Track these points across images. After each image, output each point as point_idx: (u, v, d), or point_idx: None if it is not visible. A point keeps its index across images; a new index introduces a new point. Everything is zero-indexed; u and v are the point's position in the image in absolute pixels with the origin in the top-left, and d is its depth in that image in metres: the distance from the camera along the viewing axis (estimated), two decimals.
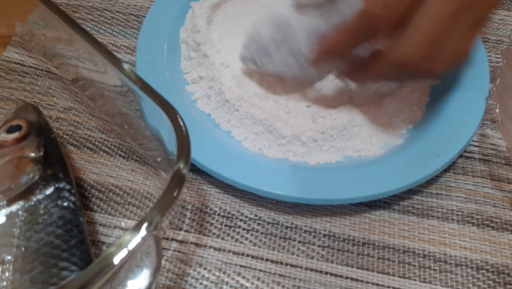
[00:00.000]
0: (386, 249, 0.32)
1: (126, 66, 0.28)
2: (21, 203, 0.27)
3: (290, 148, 0.34)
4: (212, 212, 0.33)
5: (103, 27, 0.43)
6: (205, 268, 0.31)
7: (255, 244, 0.32)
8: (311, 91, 0.37)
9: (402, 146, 0.35)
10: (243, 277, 0.31)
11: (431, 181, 0.34)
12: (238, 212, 0.33)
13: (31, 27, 0.38)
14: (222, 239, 0.32)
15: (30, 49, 0.41)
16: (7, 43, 0.42)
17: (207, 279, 0.31)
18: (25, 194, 0.28)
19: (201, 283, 0.30)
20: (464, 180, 0.35)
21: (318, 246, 0.32)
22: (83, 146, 0.36)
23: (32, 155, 0.29)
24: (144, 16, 0.43)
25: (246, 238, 0.32)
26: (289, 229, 0.33)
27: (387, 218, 0.33)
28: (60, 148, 0.31)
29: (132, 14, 0.44)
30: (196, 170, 0.34)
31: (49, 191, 0.28)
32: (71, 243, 0.27)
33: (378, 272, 0.31)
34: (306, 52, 0.33)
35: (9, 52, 0.41)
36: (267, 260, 0.31)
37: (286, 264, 0.31)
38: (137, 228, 0.22)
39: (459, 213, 0.33)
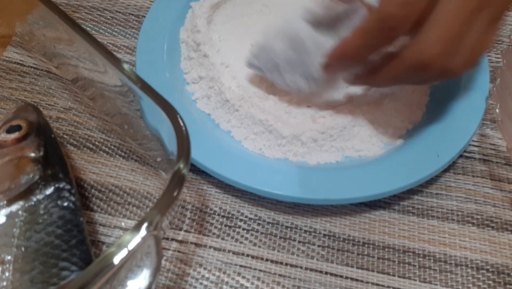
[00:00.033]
0: (386, 249, 0.32)
1: (126, 66, 0.28)
2: (21, 203, 0.27)
3: (290, 148, 0.34)
4: (212, 212, 0.33)
5: (103, 27, 0.43)
6: (205, 268, 0.31)
7: (255, 244, 0.32)
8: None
9: (402, 145, 0.35)
10: (243, 277, 0.31)
11: (431, 181, 0.34)
12: (238, 212, 0.33)
13: (31, 27, 0.38)
14: (222, 239, 0.32)
15: (30, 49, 0.41)
16: (7, 43, 0.42)
17: (207, 279, 0.31)
18: (25, 194, 0.28)
19: (201, 283, 0.30)
20: (464, 180, 0.35)
21: (318, 246, 0.32)
22: (83, 146, 0.36)
23: (32, 155, 0.29)
24: (144, 16, 0.43)
25: (246, 238, 0.32)
26: (289, 229, 0.33)
27: (387, 218, 0.33)
28: (60, 148, 0.31)
29: (132, 14, 0.44)
30: (196, 170, 0.34)
31: (49, 191, 0.28)
32: (71, 243, 0.27)
33: (378, 272, 0.31)
34: (318, 75, 0.33)
35: (9, 52, 0.41)
36: (267, 260, 0.31)
37: (286, 264, 0.31)
38: (137, 228, 0.22)
39: (459, 213, 0.33)
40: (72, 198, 0.29)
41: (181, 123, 0.25)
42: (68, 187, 0.29)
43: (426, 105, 0.37)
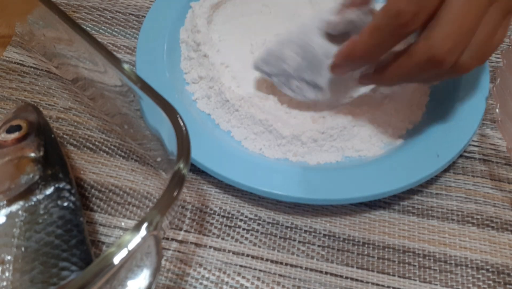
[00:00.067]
0: (386, 249, 0.32)
1: (126, 66, 0.28)
2: (21, 203, 0.27)
3: (290, 148, 0.34)
4: (212, 212, 0.33)
5: (103, 27, 0.43)
6: (205, 268, 0.31)
7: (255, 244, 0.32)
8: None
9: (402, 145, 0.35)
10: (243, 277, 0.31)
11: (431, 181, 0.34)
12: (238, 212, 0.33)
13: (31, 27, 0.38)
14: (222, 239, 0.32)
15: (30, 49, 0.41)
16: (7, 43, 0.42)
17: (207, 279, 0.31)
18: (25, 194, 0.28)
19: (201, 283, 0.30)
20: (464, 180, 0.35)
21: (318, 246, 0.32)
22: (83, 146, 0.36)
23: (32, 155, 0.29)
24: (144, 16, 0.43)
25: (246, 238, 0.32)
26: (289, 229, 0.33)
27: (387, 218, 0.33)
28: (60, 148, 0.31)
29: (132, 14, 0.44)
30: (196, 170, 0.34)
31: (49, 191, 0.28)
32: (71, 243, 0.27)
33: (378, 272, 0.31)
34: (325, 85, 0.33)
35: (9, 52, 0.41)
36: (267, 260, 0.31)
37: (286, 264, 0.31)
38: (137, 228, 0.22)
39: (459, 213, 0.33)
40: (72, 198, 0.29)
41: (181, 123, 0.25)
42: (68, 187, 0.29)
43: (426, 105, 0.37)
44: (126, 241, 0.21)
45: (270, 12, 0.42)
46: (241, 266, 0.31)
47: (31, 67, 0.40)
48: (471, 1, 0.26)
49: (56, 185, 0.29)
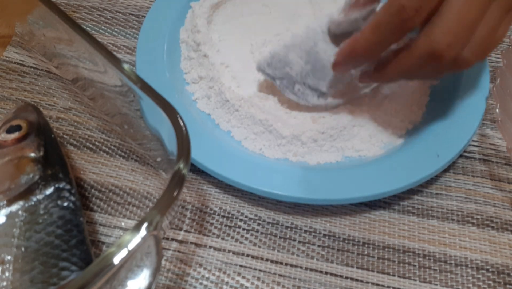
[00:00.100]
0: (386, 249, 0.32)
1: (126, 66, 0.28)
2: (21, 203, 0.27)
3: (290, 148, 0.34)
4: (212, 212, 0.33)
5: (103, 27, 0.43)
6: (205, 268, 0.31)
7: (255, 244, 0.32)
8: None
9: (402, 145, 0.35)
10: (243, 277, 0.31)
11: (431, 181, 0.34)
12: (238, 212, 0.33)
13: (31, 27, 0.38)
14: (222, 239, 0.32)
15: (30, 49, 0.41)
16: (7, 43, 0.42)
17: (207, 279, 0.31)
18: (25, 194, 0.28)
19: (201, 283, 0.30)
20: (464, 180, 0.35)
21: (318, 246, 0.32)
22: (83, 146, 0.36)
23: (32, 155, 0.29)
24: (144, 16, 0.43)
25: (246, 238, 0.32)
26: (289, 229, 0.33)
27: (387, 218, 0.33)
28: (60, 148, 0.31)
29: (132, 14, 0.44)
30: (196, 170, 0.34)
31: (49, 191, 0.28)
32: (71, 243, 0.27)
33: (378, 272, 0.31)
34: (328, 91, 0.33)
35: (9, 52, 0.41)
36: (267, 260, 0.31)
37: (286, 264, 0.31)
38: (137, 228, 0.22)
39: (459, 213, 0.33)
40: (72, 198, 0.29)
41: (181, 123, 0.25)
42: (68, 187, 0.29)
43: (426, 105, 0.37)
44: (126, 241, 0.21)
45: (270, 12, 0.42)
46: (241, 266, 0.31)
47: (31, 67, 0.40)
48: None
49: (56, 185, 0.29)
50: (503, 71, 0.35)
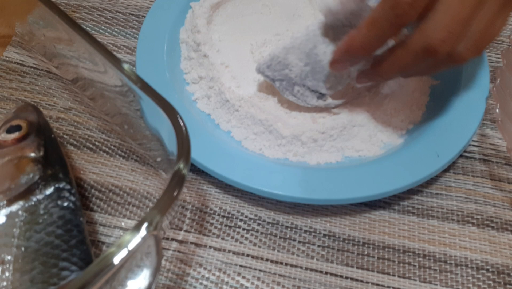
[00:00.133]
0: (386, 249, 0.32)
1: (126, 66, 0.28)
2: (21, 203, 0.27)
3: (290, 148, 0.34)
4: (212, 212, 0.33)
5: (103, 27, 0.43)
6: (205, 268, 0.31)
7: (255, 244, 0.32)
8: None
9: (402, 145, 0.35)
10: (243, 277, 0.31)
11: (431, 181, 0.34)
12: (238, 212, 0.33)
13: (31, 27, 0.38)
14: (222, 239, 0.32)
15: (30, 49, 0.41)
16: (7, 43, 0.42)
17: (207, 279, 0.31)
18: (25, 194, 0.28)
19: (201, 283, 0.30)
20: (464, 180, 0.35)
21: (318, 246, 0.32)
22: (83, 146, 0.36)
23: (32, 155, 0.29)
24: (144, 16, 0.43)
25: (246, 238, 0.32)
26: (289, 229, 0.33)
27: (387, 218, 0.33)
28: (60, 148, 0.31)
29: (132, 14, 0.44)
30: (196, 170, 0.34)
31: (49, 191, 0.28)
32: (71, 243, 0.27)
33: (378, 272, 0.31)
34: (327, 92, 0.33)
35: (9, 52, 0.41)
36: (267, 260, 0.31)
37: (286, 264, 0.31)
38: (137, 228, 0.22)
39: (459, 213, 0.33)
40: (72, 198, 0.29)
41: (181, 124, 0.25)
42: (68, 187, 0.29)
43: (426, 105, 0.37)
44: (126, 241, 0.21)
45: (270, 12, 0.42)
46: (241, 266, 0.31)
47: (31, 67, 0.40)
48: None
49: (56, 185, 0.29)
50: (503, 71, 0.35)
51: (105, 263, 0.21)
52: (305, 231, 0.33)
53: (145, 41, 0.38)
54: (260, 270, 0.31)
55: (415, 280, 0.31)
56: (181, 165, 0.24)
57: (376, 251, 0.32)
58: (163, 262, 0.31)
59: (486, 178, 0.35)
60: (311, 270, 0.31)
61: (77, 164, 0.35)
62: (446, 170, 0.35)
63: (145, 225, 0.22)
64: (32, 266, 0.26)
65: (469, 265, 0.31)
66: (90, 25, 0.43)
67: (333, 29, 0.33)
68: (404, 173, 0.32)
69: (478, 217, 0.33)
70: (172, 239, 0.32)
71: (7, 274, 0.25)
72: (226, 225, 0.33)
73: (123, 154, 0.36)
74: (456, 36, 0.27)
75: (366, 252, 0.32)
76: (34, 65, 0.40)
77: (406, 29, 0.32)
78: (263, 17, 0.41)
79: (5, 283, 0.25)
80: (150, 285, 0.25)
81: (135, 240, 0.21)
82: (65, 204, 0.28)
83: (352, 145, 0.35)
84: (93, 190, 0.34)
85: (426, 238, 0.32)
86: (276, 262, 0.31)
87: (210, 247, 0.32)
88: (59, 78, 0.39)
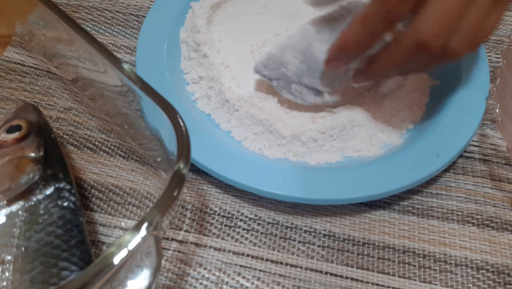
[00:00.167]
0: (386, 249, 0.32)
1: (126, 66, 0.28)
2: (21, 203, 0.27)
3: (290, 148, 0.34)
4: (212, 212, 0.33)
5: (103, 27, 0.43)
6: (205, 268, 0.31)
7: (255, 244, 0.32)
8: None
9: (402, 146, 0.35)
10: (243, 277, 0.31)
11: (431, 181, 0.34)
12: (238, 212, 0.33)
13: (31, 27, 0.38)
14: (222, 239, 0.32)
15: (30, 49, 0.41)
16: (7, 43, 0.42)
17: (207, 279, 0.31)
18: (25, 194, 0.28)
19: (201, 283, 0.30)
20: (464, 180, 0.35)
21: (318, 246, 0.32)
22: (83, 146, 0.36)
23: (32, 155, 0.29)
24: (144, 16, 0.43)
25: (246, 238, 0.32)
26: (289, 229, 0.33)
27: (387, 218, 0.33)
28: (60, 148, 0.31)
29: (132, 14, 0.44)
30: (196, 170, 0.34)
31: (49, 191, 0.28)
32: (71, 243, 0.27)
33: (378, 272, 0.31)
34: (324, 89, 0.33)
35: (9, 52, 0.41)
36: (267, 260, 0.31)
37: (286, 264, 0.31)
38: (137, 228, 0.22)
39: (459, 213, 0.33)
40: (72, 198, 0.29)
41: (181, 123, 0.25)
42: (68, 187, 0.29)
43: (426, 105, 0.37)
44: (126, 241, 0.21)
45: (270, 12, 0.42)
46: (241, 266, 0.31)
47: (31, 67, 0.40)
48: None
49: (56, 185, 0.29)
50: (503, 71, 0.35)
51: (105, 263, 0.21)
52: (305, 231, 0.33)
53: (145, 41, 0.38)
54: (260, 270, 0.31)
55: (415, 280, 0.31)
56: (181, 165, 0.24)
57: (376, 251, 0.32)
58: (163, 262, 0.31)
59: (486, 178, 0.35)
60: (311, 270, 0.31)
61: (77, 164, 0.35)
62: (446, 170, 0.35)
63: (145, 225, 0.22)
64: (32, 266, 0.26)
65: (469, 265, 0.31)
66: (90, 25, 0.43)
67: (328, 26, 0.33)
68: (404, 173, 0.32)
69: (478, 217, 0.33)
70: (172, 239, 0.32)
71: (7, 274, 0.25)
72: (226, 225, 0.33)
73: (123, 154, 0.36)
74: (449, 30, 0.27)
75: (366, 252, 0.32)
76: (34, 65, 0.40)
77: (402, 25, 0.32)
78: (263, 17, 0.41)
79: (5, 283, 0.25)
80: (150, 285, 0.25)
81: (135, 240, 0.21)
82: (65, 204, 0.28)
83: (352, 145, 0.35)
84: (93, 190, 0.34)
85: (426, 238, 0.32)
86: (276, 262, 0.31)
87: (210, 247, 0.32)
88: (59, 78, 0.39)
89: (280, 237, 0.32)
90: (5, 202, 0.27)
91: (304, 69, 0.33)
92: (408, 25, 0.28)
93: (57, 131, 0.37)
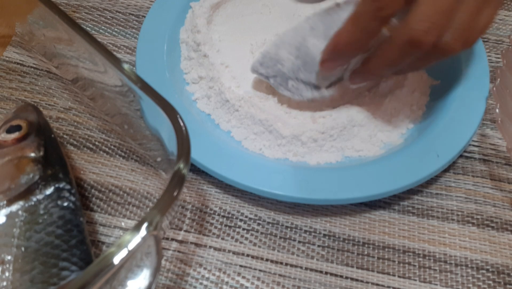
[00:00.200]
0: (386, 249, 0.32)
1: (126, 66, 0.28)
2: (21, 203, 0.27)
3: (290, 148, 0.34)
4: (212, 212, 0.33)
5: (103, 27, 0.43)
6: (205, 268, 0.31)
7: (255, 244, 0.32)
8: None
9: (402, 146, 0.35)
10: (243, 277, 0.31)
11: (431, 181, 0.34)
12: (238, 212, 0.33)
13: (31, 27, 0.38)
14: (222, 239, 0.32)
15: (30, 49, 0.41)
16: (7, 43, 0.42)
17: (207, 279, 0.31)
18: (25, 194, 0.28)
19: (201, 283, 0.30)
20: (464, 180, 0.35)
21: (318, 246, 0.32)
22: (83, 146, 0.36)
23: (32, 155, 0.29)
24: (144, 16, 0.43)
25: (246, 238, 0.32)
26: (289, 229, 0.33)
27: (387, 218, 0.33)
28: (60, 148, 0.31)
29: (132, 14, 0.44)
30: (196, 170, 0.34)
31: (49, 191, 0.28)
32: (71, 243, 0.27)
33: (378, 272, 0.31)
34: (321, 84, 0.33)
35: (9, 52, 0.41)
36: (267, 260, 0.31)
37: (286, 264, 0.31)
38: (137, 228, 0.22)
39: (459, 213, 0.33)
40: (72, 198, 0.29)
41: (181, 124, 0.25)
42: (68, 187, 0.29)
43: (426, 105, 0.37)
44: (126, 241, 0.21)
45: (270, 12, 0.42)
46: (241, 266, 0.31)
47: (31, 67, 0.40)
48: None
49: (56, 185, 0.29)
50: (503, 71, 0.35)
51: (105, 263, 0.21)
52: (305, 231, 0.33)
53: (145, 41, 0.38)
54: (260, 270, 0.31)
55: (415, 280, 0.31)
56: (181, 165, 0.24)
57: (376, 251, 0.32)
58: (163, 262, 0.31)
59: (486, 178, 0.35)
60: (311, 270, 0.31)
61: (77, 164, 0.35)
62: (446, 170, 0.35)
63: (145, 225, 0.22)
64: (32, 266, 0.26)
65: (469, 265, 0.31)
66: (90, 25, 0.43)
67: (322, 22, 0.33)
68: (404, 173, 0.32)
69: (478, 217, 0.33)
70: (172, 239, 0.32)
71: (7, 274, 0.25)
72: (226, 225, 0.33)
73: (123, 154, 0.36)
74: (440, 26, 0.27)
75: (366, 252, 0.32)
76: (34, 65, 0.40)
77: (397, 20, 0.32)
78: (263, 17, 0.41)
79: (5, 283, 0.25)
80: (150, 285, 0.25)
81: (135, 240, 0.21)
82: (65, 204, 0.28)
83: (352, 145, 0.35)
84: (93, 190, 0.34)
85: (426, 238, 0.32)
86: (276, 262, 0.31)
87: (210, 247, 0.32)
88: (59, 78, 0.39)
89: (280, 237, 0.32)
90: (5, 202, 0.27)
91: (299, 64, 0.33)
92: (400, 23, 0.28)
93: (57, 131, 0.37)
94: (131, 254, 0.21)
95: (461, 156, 0.36)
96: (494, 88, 0.34)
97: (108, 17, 0.44)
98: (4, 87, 0.39)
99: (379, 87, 0.37)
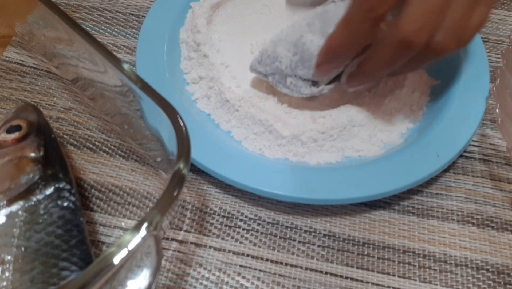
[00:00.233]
0: (386, 249, 0.32)
1: (126, 66, 0.28)
2: (21, 203, 0.27)
3: (290, 148, 0.34)
4: (212, 212, 0.33)
5: (103, 27, 0.43)
6: (205, 268, 0.31)
7: (255, 244, 0.32)
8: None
9: (402, 146, 0.35)
10: (243, 277, 0.31)
11: (431, 181, 0.34)
12: (238, 212, 0.33)
13: (31, 27, 0.38)
14: (222, 239, 0.32)
15: (30, 49, 0.41)
16: (7, 43, 0.42)
17: (207, 279, 0.31)
18: (25, 194, 0.28)
19: (201, 283, 0.30)
20: (464, 180, 0.35)
21: (318, 246, 0.32)
22: (83, 146, 0.36)
23: (32, 155, 0.29)
24: (144, 16, 0.43)
25: (246, 238, 0.32)
26: (289, 229, 0.33)
27: (387, 218, 0.33)
28: (60, 148, 0.31)
29: (132, 14, 0.44)
30: (196, 170, 0.34)
31: (49, 191, 0.28)
32: (71, 243, 0.27)
33: (378, 272, 0.31)
34: (321, 82, 0.33)
35: (9, 52, 0.41)
36: (267, 260, 0.31)
37: (286, 264, 0.31)
38: (137, 228, 0.22)
39: (459, 213, 0.33)
40: (72, 198, 0.29)
41: (181, 123, 0.25)
42: (68, 187, 0.29)
43: (426, 105, 0.37)
44: (126, 241, 0.21)
45: (270, 12, 0.42)
46: (241, 266, 0.31)
47: (31, 67, 0.40)
48: None
49: (56, 185, 0.29)
50: (503, 71, 0.35)
51: (105, 263, 0.21)
52: (305, 231, 0.33)
53: (145, 41, 0.38)
54: (260, 270, 0.31)
55: (415, 280, 0.31)
56: (181, 165, 0.24)
57: (376, 251, 0.32)
58: (163, 262, 0.31)
59: (486, 178, 0.35)
60: (311, 270, 0.31)
61: (77, 164, 0.35)
62: (446, 170, 0.35)
63: (145, 225, 0.22)
64: (32, 266, 0.26)
65: (469, 265, 0.31)
66: (90, 25, 0.43)
67: (319, 19, 0.33)
68: (404, 173, 0.32)
69: (478, 217, 0.33)
70: (172, 239, 0.32)
71: (7, 274, 0.25)
72: (226, 225, 0.33)
73: (123, 154, 0.36)
74: (431, 26, 0.27)
75: (366, 252, 0.32)
76: (34, 65, 0.40)
77: (392, 18, 0.32)
78: (263, 17, 0.41)
79: (5, 283, 0.25)
80: (150, 285, 0.25)
81: (135, 240, 0.21)
82: (65, 204, 0.28)
83: (352, 145, 0.35)
84: (93, 190, 0.34)
85: (426, 238, 0.32)
86: (276, 262, 0.31)
87: (210, 247, 0.32)
88: (59, 78, 0.39)
89: (280, 237, 0.32)
90: (5, 202, 0.27)
91: (297, 61, 0.33)
92: (392, 24, 0.28)
93: (57, 131, 0.37)
94: (131, 254, 0.21)
95: (461, 156, 0.36)
96: (494, 88, 0.34)
97: (108, 17, 0.44)
98: (4, 87, 0.39)
99: (379, 87, 0.37)
